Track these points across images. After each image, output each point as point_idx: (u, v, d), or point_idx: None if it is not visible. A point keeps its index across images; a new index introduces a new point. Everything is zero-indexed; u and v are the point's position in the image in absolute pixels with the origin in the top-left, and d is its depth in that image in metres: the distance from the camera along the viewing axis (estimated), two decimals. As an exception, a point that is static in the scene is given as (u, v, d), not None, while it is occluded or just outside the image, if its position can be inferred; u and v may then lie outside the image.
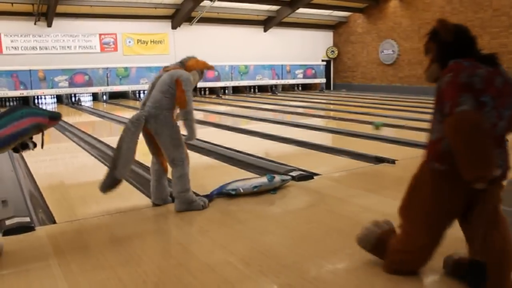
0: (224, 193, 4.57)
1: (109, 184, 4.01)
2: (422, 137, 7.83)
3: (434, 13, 18.74)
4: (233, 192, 4.56)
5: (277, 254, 3.17)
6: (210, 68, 4.49)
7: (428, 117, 10.19)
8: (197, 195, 4.51)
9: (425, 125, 10.06)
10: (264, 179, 4.77)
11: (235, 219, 3.96)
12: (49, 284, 2.77)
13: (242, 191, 4.58)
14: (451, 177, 2.35)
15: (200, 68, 4.34)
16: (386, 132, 9.12)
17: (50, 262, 3.08)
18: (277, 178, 4.86)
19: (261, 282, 2.77)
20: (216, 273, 2.88)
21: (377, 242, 2.80)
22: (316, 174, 5.44)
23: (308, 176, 5.33)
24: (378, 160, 6.24)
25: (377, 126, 10.30)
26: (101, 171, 5.96)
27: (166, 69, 4.27)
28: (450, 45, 2.42)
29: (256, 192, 4.60)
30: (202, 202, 4.23)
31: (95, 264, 3.05)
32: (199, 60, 4.38)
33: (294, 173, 5.33)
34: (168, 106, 4.04)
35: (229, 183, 4.69)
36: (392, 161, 6.11)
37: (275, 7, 20.57)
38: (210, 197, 4.48)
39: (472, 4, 17.40)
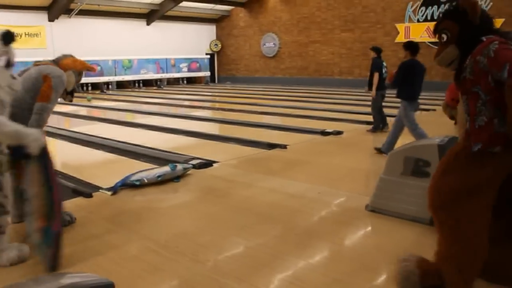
0: (128, 184, 4.60)
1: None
2: (307, 124, 8.51)
3: (311, 8, 19.97)
4: (138, 183, 4.61)
5: (191, 235, 3.34)
6: (90, 69, 4.02)
7: (310, 105, 10.71)
8: (99, 188, 4.50)
9: (308, 112, 10.65)
10: (167, 168, 4.89)
11: (144, 208, 4.03)
12: None
13: (146, 181, 4.65)
14: (502, 155, 2.24)
15: (78, 69, 3.78)
16: (274, 120, 9.64)
17: None
18: (179, 166, 5.01)
19: (183, 261, 2.93)
20: (139, 259, 2.97)
21: (422, 279, 2.33)
22: (215, 162, 5.67)
23: (207, 163, 5.54)
24: (271, 146, 6.65)
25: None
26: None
27: (36, 63, 3.68)
28: (476, 27, 2.30)
29: (160, 181, 4.71)
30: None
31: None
32: (76, 60, 3.83)
33: (194, 162, 5.51)
34: (30, 106, 3.44)
35: (133, 174, 4.73)
36: (284, 146, 6.56)
37: (158, 0, 20.31)
38: (114, 189, 4.48)
39: (345, 1, 18.88)
